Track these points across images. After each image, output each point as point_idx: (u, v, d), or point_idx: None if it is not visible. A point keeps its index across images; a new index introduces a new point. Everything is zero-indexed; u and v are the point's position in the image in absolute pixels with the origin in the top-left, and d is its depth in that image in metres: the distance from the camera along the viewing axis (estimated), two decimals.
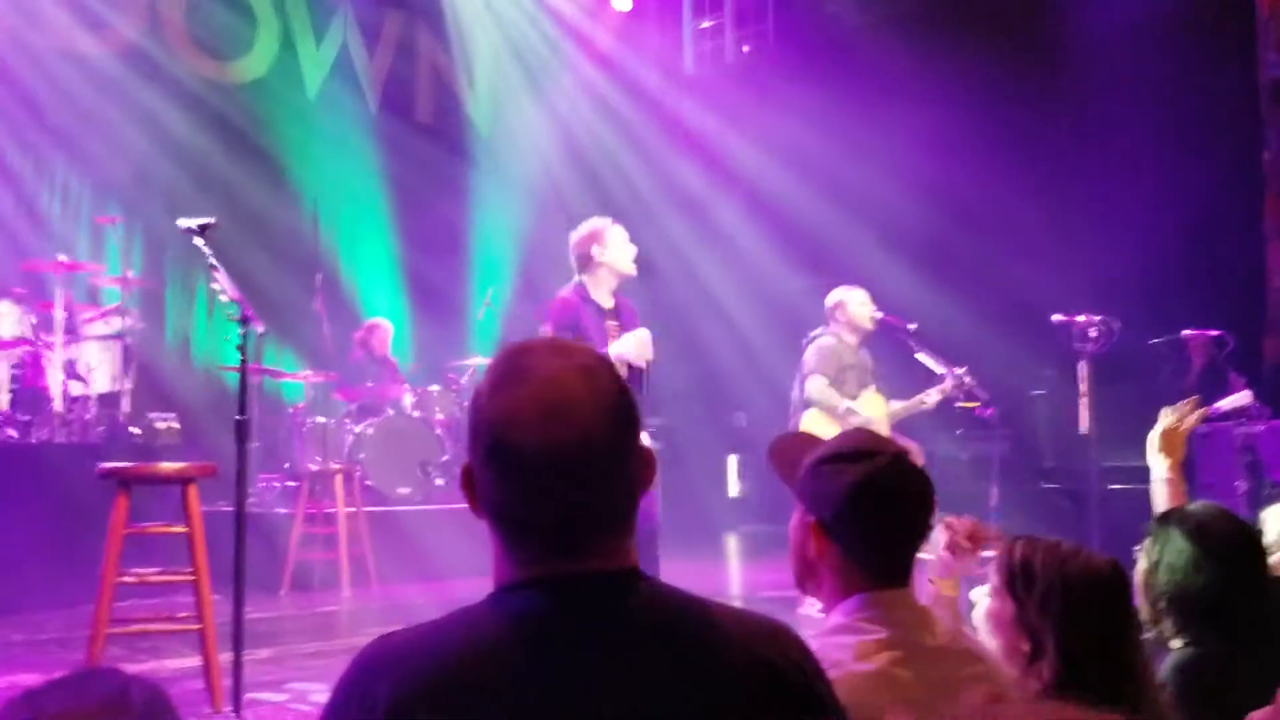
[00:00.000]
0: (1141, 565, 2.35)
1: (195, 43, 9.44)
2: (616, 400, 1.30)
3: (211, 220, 3.97)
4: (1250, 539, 2.35)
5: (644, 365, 4.76)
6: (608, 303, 5.03)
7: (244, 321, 3.80)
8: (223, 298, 3.87)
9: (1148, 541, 2.35)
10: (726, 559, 9.06)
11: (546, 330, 4.86)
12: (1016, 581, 1.96)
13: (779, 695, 1.25)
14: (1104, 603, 1.90)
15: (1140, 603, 2.31)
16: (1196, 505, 2.43)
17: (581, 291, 4.98)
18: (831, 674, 1.37)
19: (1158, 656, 2.24)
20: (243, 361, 3.83)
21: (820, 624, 1.81)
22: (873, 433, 1.93)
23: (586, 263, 5.00)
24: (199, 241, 3.94)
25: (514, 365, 1.30)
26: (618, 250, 5.01)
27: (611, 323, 4.98)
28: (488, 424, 1.28)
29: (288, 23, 10.02)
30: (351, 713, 1.22)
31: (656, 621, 1.26)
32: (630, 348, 4.74)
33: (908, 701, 1.62)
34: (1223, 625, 2.21)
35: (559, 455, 1.25)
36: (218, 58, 9.61)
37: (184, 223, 3.99)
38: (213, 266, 3.89)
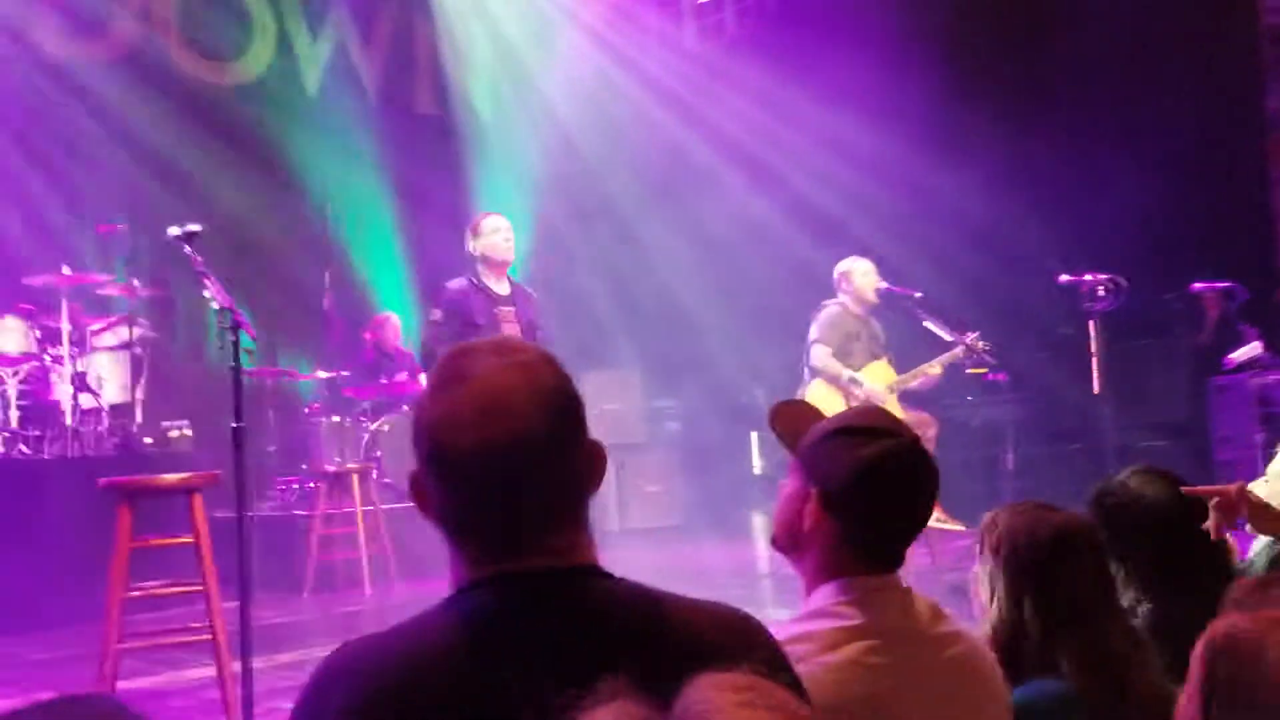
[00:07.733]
0: None
1: (191, 46, 9.40)
2: (557, 395, 1.27)
3: (198, 228, 3.95)
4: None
5: None
6: (502, 289, 5.53)
7: (235, 328, 3.78)
8: (213, 304, 3.85)
9: None
10: (753, 537, 9.00)
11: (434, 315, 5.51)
12: (988, 543, 1.97)
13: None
14: (1075, 563, 1.88)
15: None
16: None
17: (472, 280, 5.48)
18: (798, 667, 1.33)
19: None
20: (236, 368, 3.81)
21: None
22: (889, 413, 1.87)
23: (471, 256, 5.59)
24: (187, 249, 3.95)
25: (453, 367, 1.28)
26: (490, 239, 5.51)
27: (506, 308, 5.45)
28: (427, 428, 1.27)
29: (282, 21, 9.97)
30: None
31: (608, 618, 1.23)
32: None
33: (876, 692, 1.58)
34: None
35: (495, 455, 1.22)
36: (215, 59, 9.57)
37: (172, 231, 3.99)
38: (201, 274, 3.87)
